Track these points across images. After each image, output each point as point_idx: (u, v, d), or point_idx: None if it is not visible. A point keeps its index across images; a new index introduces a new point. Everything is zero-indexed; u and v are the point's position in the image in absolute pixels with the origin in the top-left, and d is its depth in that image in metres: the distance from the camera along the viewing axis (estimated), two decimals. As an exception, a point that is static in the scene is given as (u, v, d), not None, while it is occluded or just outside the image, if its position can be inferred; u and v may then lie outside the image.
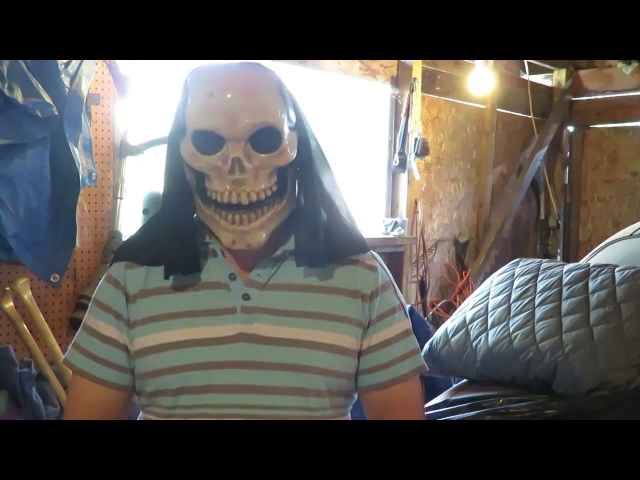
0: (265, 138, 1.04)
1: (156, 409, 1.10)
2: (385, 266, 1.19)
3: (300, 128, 1.10)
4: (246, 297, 1.09)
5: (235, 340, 1.07)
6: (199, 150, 1.04)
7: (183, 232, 1.09)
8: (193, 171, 1.07)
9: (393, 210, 3.55)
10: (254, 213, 1.05)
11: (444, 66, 3.70)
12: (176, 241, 1.09)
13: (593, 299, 2.08)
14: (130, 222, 2.38)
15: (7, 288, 1.99)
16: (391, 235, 3.40)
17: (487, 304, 2.25)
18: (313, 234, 1.10)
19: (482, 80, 3.75)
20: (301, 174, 1.11)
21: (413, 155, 3.38)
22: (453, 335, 2.21)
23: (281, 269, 1.11)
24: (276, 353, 1.07)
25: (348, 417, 1.17)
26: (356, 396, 1.18)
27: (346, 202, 1.19)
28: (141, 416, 1.15)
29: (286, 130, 1.06)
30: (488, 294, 2.31)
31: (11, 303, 1.97)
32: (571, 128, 4.58)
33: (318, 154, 1.13)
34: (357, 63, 3.26)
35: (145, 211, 2.35)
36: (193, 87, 1.06)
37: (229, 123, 1.02)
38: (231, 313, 1.08)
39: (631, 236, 2.67)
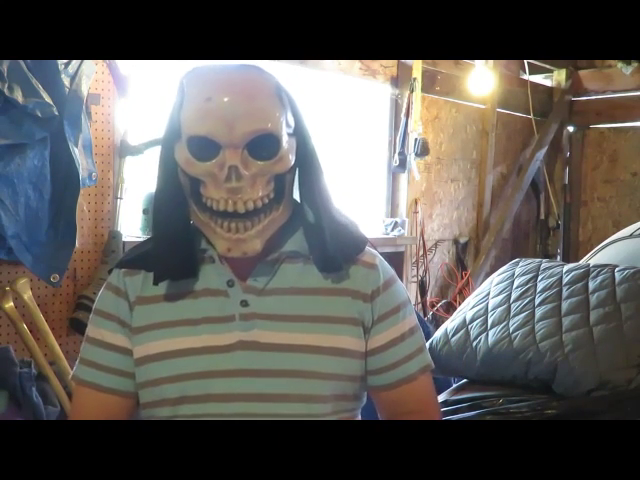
0: (263, 145, 1.01)
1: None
2: (385, 262, 1.16)
3: (299, 132, 1.07)
4: (244, 304, 1.07)
5: (234, 348, 1.05)
6: (194, 156, 1.01)
7: (178, 237, 1.07)
8: (188, 176, 1.04)
9: (393, 210, 3.55)
10: (250, 221, 1.02)
11: (444, 66, 3.70)
12: (171, 247, 1.07)
13: (593, 299, 2.07)
14: (130, 222, 2.38)
15: (7, 288, 1.99)
16: (391, 235, 3.40)
17: (487, 304, 2.25)
18: (325, 238, 1.07)
19: (482, 80, 3.75)
20: (302, 177, 1.09)
21: (413, 155, 3.38)
22: (453, 335, 2.21)
23: (278, 273, 1.09)
24: (276, 359, 1.04)
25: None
26: (364, 399, 1.15)
27: (340, 201, 1.17)
28: None
29: (285, 136, 1.03)
30: (488, 294, 2.30)
31: (11, 303, 1.97)
32: (571, 128, 4.58)
33: (316, 156, 1.11)
34: (357, 63, 3.26)
35: (145, 211, 2.36)
36: (189, 90, 1.03)
37: (226, 129, 0.99)
38: (230, 321, 1.06)
39: (631, 236, 2.67)
